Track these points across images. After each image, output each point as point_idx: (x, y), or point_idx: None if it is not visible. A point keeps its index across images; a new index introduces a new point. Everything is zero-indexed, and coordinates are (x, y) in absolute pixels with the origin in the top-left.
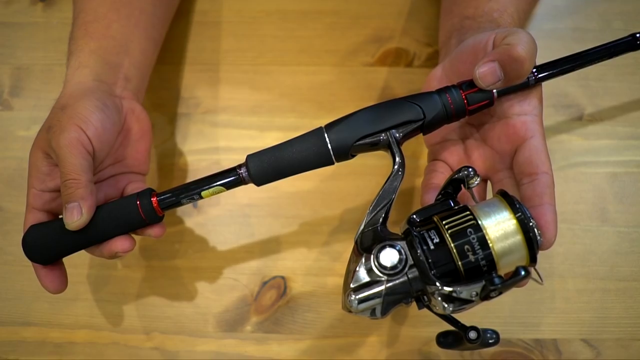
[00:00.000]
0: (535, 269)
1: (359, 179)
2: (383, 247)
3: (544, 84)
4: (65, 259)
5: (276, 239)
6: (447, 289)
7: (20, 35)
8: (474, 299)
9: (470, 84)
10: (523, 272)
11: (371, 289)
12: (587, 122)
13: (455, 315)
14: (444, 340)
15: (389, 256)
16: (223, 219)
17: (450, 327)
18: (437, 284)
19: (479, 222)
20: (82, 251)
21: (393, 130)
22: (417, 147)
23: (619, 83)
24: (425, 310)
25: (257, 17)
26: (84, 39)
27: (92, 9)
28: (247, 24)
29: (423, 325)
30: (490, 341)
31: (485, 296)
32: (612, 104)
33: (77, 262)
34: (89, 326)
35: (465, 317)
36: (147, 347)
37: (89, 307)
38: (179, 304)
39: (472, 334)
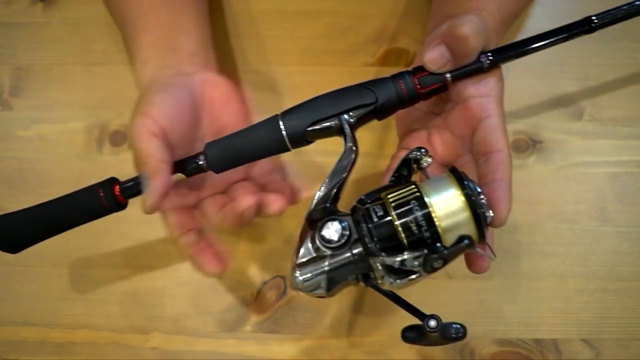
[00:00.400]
0: (488, 244)
1: (360, 178)
2: (327, 221)
3: (546, 83)
4: (64, 260)
5: (276, 238)
6: (389, 259)
7: (20, 35)
8: (417, 269)
9: (422, 68)
10: (466, 241)
11: (315, 264)
12: (587, 122)
13: (453, 321)
14: (408, 335)
15: (332, 230)
16: None
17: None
18: (378, 254)
19: (425, 198)
20: (82, 252)
21: (345, 115)
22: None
23: (619, 83)
24: (425, 311)
25: (257, 17)
26: (138, 38)
27: (135, 8)
28: (247, 24)
29: None
30: (453, 335)
31: (429, 267)
32: (612, 104)
33: (77, 263)
34: (89, 326)
35: (464, 317)
36: (147, 347)
37: (89, 307)
38: (179, 304)
39: (432, 323)
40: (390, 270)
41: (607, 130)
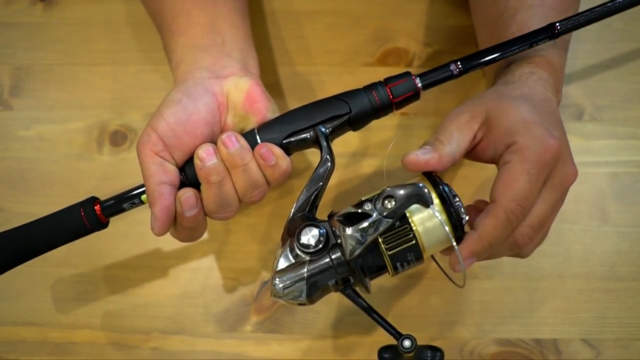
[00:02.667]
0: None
1: (360, 180)
2: (304, 227)
3: None
4: (64, 260)
5: (276, 238)
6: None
7: (20, 35)
8: (373, 213)
9: (393, 77)
10: (421, 185)
11: (294, 271)
12: (587, 122)
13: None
14: (385, 355)
15: (309, 235)
16: None
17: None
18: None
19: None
20: (82, 252)
21: (320, 126)
22: None
23: (619, 83)
24: (425, 311)
25: (257, 17)
26: (172, 40)
27: (169, 11)
28: None
29: (423, 325)
30: (429, 359)
31: (385, 211)
32: (612, 104)
33: (77, 262)
34: (89, 326)
35: (465, 316)
36: (147, 347)
37: (89, 307)
38: (179, 304)
39: (407, 343)
40: (348, 221)
41: (607, 130)
